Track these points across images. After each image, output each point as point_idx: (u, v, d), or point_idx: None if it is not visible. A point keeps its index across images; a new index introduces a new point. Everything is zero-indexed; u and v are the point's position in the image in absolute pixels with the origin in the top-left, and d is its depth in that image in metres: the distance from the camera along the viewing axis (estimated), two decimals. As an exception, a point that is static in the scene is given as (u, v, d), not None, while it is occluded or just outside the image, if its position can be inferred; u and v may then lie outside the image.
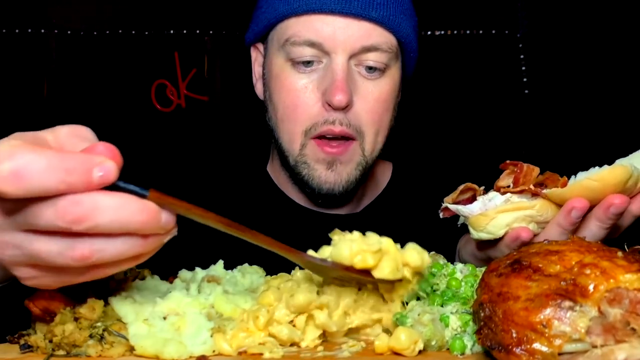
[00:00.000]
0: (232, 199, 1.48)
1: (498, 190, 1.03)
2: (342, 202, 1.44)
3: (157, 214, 0.65)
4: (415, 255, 0.81)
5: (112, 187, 0.63)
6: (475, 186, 1.05)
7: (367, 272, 0.78)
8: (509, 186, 1.03)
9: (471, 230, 1.06)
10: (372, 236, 0.79)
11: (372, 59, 1.27)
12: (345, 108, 1.26)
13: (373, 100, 1.29)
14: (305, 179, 1.33)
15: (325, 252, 0.80)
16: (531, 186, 1.00)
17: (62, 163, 0.60)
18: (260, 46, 1.44)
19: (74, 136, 0.68)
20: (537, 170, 1.02)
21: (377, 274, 0.78)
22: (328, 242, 0.80)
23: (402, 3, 1.31)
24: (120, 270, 0.69)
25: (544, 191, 0.99)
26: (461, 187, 1.07)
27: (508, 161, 1.04)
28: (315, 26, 1.25)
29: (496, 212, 1.01)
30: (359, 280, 0.82)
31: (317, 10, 1.24)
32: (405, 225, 1.41)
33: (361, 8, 1.23)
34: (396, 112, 1.40)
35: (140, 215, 0.63)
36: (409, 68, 1.42)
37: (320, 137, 1.29)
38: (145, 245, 0.66)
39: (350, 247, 0.77)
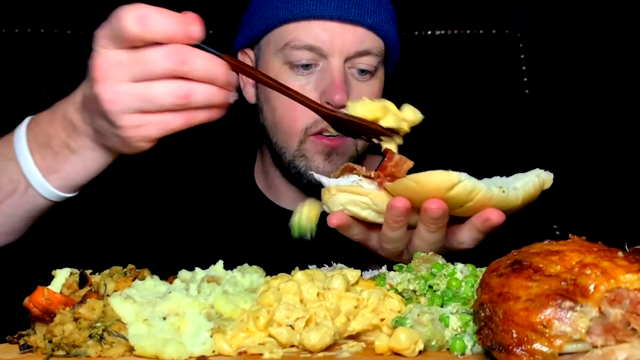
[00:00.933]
0: (219, 203, 1.54)
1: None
2: None
3: (229, 70, 0.89)
4: (410, 112, 1.05)
5: (197, 47, 0.87)
6: (357, 167, 1.06)
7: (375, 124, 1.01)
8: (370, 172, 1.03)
9: (322, 203, 1.08)
10: (379, 100, 1.04)
11: (365, 62, 1.36)
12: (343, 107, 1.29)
13: (367, 98, 1.34)
14: (302, 172, 1.39)
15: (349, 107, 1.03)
16: (372, 173, 1.01)
17: (172, 16, 0.84)
18: (250, 52, 1.49)
19: None
20: (409, 164, 1.02)
21: (384, 123, 1.02)
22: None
23: (388, 10, 1.41)
24: (204, 119, 0.90)
25: (385, 183, 0.99)
26: (342, 166, 1.08)
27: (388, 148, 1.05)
28: (314, 31, 1.32)
29: (337, 190, 1.02)
30: (370, 130, 1.02)
31: (317, 16, 1.31)
32: None
33: (357, 15, 1.31)
34: None
35: (220, 67, 0.88)
36: (390, 68, 1.51)
37: (319, 133, 1.36)
38: (221, 95, 0.88)
39: (364, 105, 1.03)
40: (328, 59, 1.33)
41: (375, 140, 1.05)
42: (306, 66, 1.34)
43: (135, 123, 0.87)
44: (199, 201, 1.53)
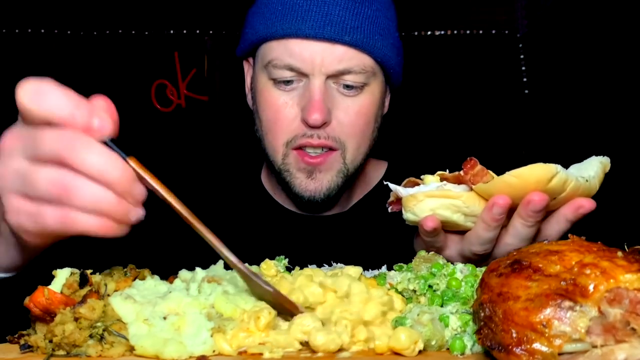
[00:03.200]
0: (225, 202, 1.53)
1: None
2: (325, 208, 1.47)
3: (131, 178, 0.75)
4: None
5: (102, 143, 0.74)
6: (418, 180, 1.07)
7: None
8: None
9: (403, 211, 1.07)
10: None
11: (349, 79, 1.33)
12: (323, 125, 1.32)
13: (353, 114, 1.35)
14: (289, 185, 1.39)
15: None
16: (461, 173, 1.01)
17: (74, 98, 0.73)
18: (251, 60, 1.49)
19: None
20: (489, 177, 1.01)
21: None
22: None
23: (376, 24, 1.35)
24: (88, 228, 0.75)
25: (474, 185, 1.00)
26: (405, 181, 1.08)
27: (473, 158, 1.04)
28: (294, 50, 1.31)
29: (424, 195, 1.02)
30: (285, 312, 0.85)
31: (294, 34, 1.30)
32: (391, 222, 1.42)
33: (335, 33, 1.29)
34: (379, 123, 1.45)
35: (119, 171, 0.74)
36: (394, 79, 1.46)
37: (301, 147, 1.35)
38: (115, 206, 0.75)
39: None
40: (309, 78, 1.32)
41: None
42: (288, 82, 1.33)
43: (15, 207, 0.77)
44: (204, 201, 1.53)
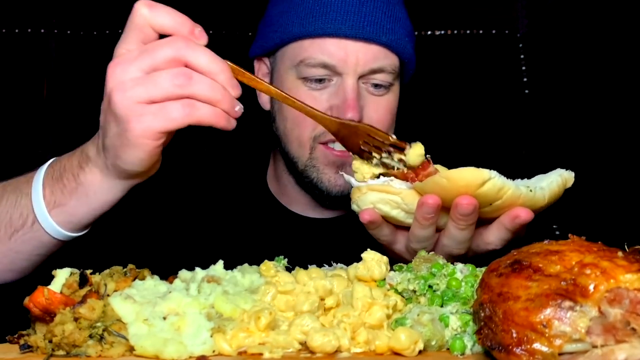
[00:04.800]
0: (230, 203, 1.54)
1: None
2: (347, 204, 1.46)
3: (231, 73, 0.92)
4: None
5: None
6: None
7: None
8: (396, 169, 1.05)
9: (351, 202, 1.09)
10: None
11: (379, 79, 1.36)
12: None
13: (383, 112, 1.38)
14: (315, 182, 1.39)
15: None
16: (405, 170, 1.02)
17: (179, 14, 0.91)
18: (266, 60, 1.49)
19: None
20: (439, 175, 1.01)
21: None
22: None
23: (405, 26, 1.40)
24: (208, 118, 0.90)
25: (412, 183, 1.01)
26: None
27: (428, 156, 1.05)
28: (329, 49, 1.32)
29: (367, 189, 1.04)
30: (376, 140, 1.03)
31: (332, 34, 1.31)
32: None
33: (373, 33, 1.31)
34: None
35: (223, 67, 0.91)
36: (406, 78, 1.51)
37: (328, 143, 1.36)
38: (224, 95, 0.90)
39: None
40: (342, 76, 1.33)
41: (376, 156, 1.05)
42: (320, 81, 1.34)
43: (138, 112, 0.88)
44: (207, 202, 1.53)
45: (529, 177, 1.05)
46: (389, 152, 1.04)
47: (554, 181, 1.02)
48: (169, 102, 0.88)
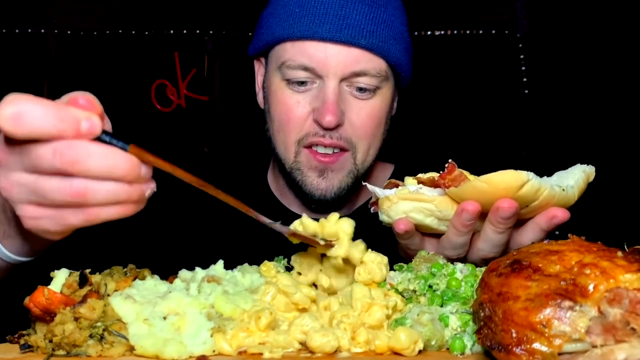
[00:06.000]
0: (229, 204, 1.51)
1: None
2: (335, 208, 1.47)
3: (137, 165, 0.75)
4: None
5: (98, 139, 0.73)
6: (399, 182, 1.07)
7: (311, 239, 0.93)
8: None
9: (379, 212, 1.08)
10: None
11: (362, 82, 1.34)
12: (335, 128, 1.33)
13: (365, 116, 1.36)
14: (299, 184, 1.40)
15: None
16: (435, 177, 1.01)
17: (56, 112, 0.71)
18: (263, 60, 1.50)
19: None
20: (467, 180, 1.00)
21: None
22: None
23: (391, 28, 1.37)
24: (111, 216, 0.77)
25: (446, 189, 1.00)
26: (386, 182, 1.09)
27: (451, 161, 1.04)
28: (309, 52, 1.32)
29: (398, 198, 1.02)
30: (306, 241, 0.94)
31: (310, 37, 1.31)
32: None
33: (351, 36, 1.30)
34: (388, 125, 1.46)
35: (124, 164, 0.74)
36: (403, 82, 1.48)
37: (312, 146, 1.36)
38: (130, 192, 0.76)
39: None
40: (323, 79, 1.33)
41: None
42: (302, 83, 1.35)
43: (32, 214, 0.77)
44: (207, 202, 1.53)
45: None
46: None
47: (580, 178, 1.02)
48: (64, 210, 0.76)
